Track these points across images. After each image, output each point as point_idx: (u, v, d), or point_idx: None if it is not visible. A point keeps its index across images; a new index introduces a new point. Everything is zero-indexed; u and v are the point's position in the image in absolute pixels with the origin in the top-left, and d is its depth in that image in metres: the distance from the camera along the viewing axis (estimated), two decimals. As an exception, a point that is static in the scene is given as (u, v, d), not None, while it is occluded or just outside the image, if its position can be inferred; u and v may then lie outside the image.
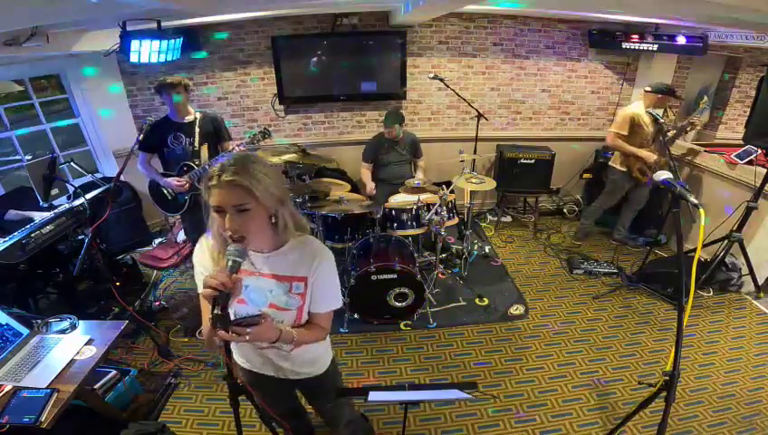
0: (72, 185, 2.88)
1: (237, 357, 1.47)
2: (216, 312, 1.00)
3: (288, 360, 1.42)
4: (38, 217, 2.65)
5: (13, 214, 2.81)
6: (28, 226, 2.50)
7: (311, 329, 1.31)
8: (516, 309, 3.20)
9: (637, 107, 3.51)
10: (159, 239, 4.24)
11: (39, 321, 2.02)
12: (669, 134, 3.42)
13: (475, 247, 3.96)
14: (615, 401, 2.42)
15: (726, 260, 3.26)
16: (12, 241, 2.34)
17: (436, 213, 3.03)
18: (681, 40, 3.77)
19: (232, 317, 1.26)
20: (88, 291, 3.00)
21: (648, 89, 3.43)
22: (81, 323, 2.00)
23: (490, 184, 3.37)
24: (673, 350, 1.61)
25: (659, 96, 3.38)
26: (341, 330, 2.98)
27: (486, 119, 4.05)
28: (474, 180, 3.30)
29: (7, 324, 1.87)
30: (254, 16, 3.82)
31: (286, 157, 3.31)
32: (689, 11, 2.95)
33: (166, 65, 3.65)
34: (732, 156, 3.48)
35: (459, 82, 4.36)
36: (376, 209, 3.24)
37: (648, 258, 3.49)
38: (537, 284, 3.56)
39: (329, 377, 1.57)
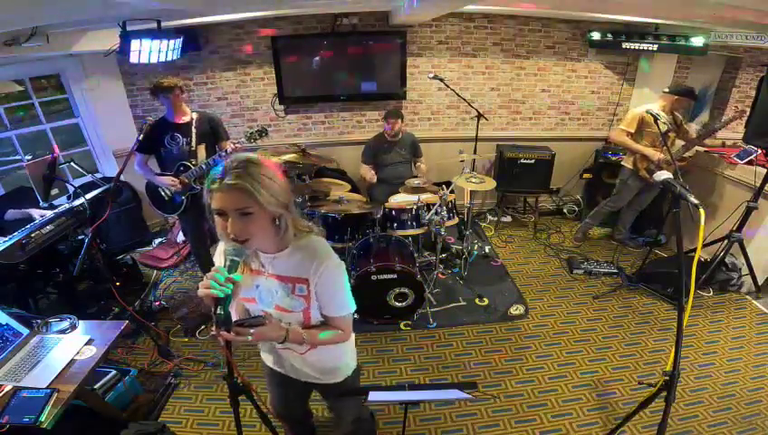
0: (72, 185, 2.88)
1: (263, 353, 1.52)
2: (218, 312, 1.00)
3: (306, 365, 1.42)
4: (36, 214, 2.65)
5: (11, 213, 2.81)
6: (28, 226, 2.50)
7: (326, 331, 1.29)
8: (516, 309, 3.20)
9: (649, 106, 3.49)
10: (159, 239, 4.24)
11: (39, 321, 2.02)
12: (690, 135, 3.43)
13: (475, 247, 3.96)
14: (615, 401, 2.42)
15: (726, 260, 3.26)
16: (12, 241, 2.34)
17: (436, 213, 3.03)
18: (681, 40, 3.77)
19: (245, 316, 1.31)
20: (88, 291, 3.00)
21: (666, 90, 3.40)
22: (81, 323, 2.00)
23: (490, 184, 3.37)
24: (673, 350, 1.61)
25: (676, 97, 3.35)
26: (341, 330, 2.97)
27: (486, 119, 4.05)
28: (474, 180, 3.30)
29: (7, 324, 1.87)
30: (254, 16, 3.82)
31: (286, 157, 3.31)
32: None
33: (166, 65, 3.66)
34: (732, 156, 3.48)
35: (459, 82, 4.36)
36: (376, 209, 3.24)
37: (648, 258, 3.49)
38: (537, 284, 3.56)
39: (347, 384, 1.56)
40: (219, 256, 1.26)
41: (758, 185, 3.03)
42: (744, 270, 3.27)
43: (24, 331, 1.91)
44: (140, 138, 2.64)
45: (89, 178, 2.92)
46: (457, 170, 3.46)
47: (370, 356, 2.79)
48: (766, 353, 2.74)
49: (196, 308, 3.06)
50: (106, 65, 3.81)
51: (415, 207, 3.12)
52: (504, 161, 4.33)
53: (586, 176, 4.57)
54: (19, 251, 2.36)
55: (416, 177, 3.63)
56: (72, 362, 1.77)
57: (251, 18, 3.86)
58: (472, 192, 3.48)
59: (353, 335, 1.47)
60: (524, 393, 2.48)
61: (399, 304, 2.96)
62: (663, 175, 1.63)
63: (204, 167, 2.84)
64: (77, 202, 2.74)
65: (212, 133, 2.98)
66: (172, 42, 3.19)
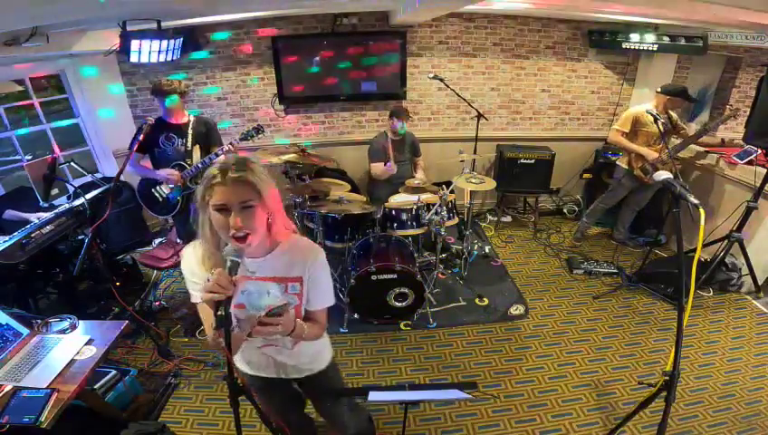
0: (72, 185, 2.88)
1: (240, 363, 1.47)
2: (220, 313, 1.00)
3: (291, 357, 1.43)
4: (34, 218, 2.65)
5: (10, 214, 2.81)
6: (28, 226, 2.50)
7: (312, 325, 1.33)
8: (516, 309, 3.20)
9: (644, 106, 3.48)
10: (159, 239, 4.24)
11: (39, 321, 2.02)
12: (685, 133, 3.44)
13: (475, 247, 3.96)
14: (615, 401, 2.42)
15: (726, 260, 3.26)
16: (12, 241, 2.34)
17: (436, 213, 3.03)
18: (681, 40, 3.77)
19: (233, 321, 1.28)
20: (88, 291, 3.00)
21: (659, 90, 3.41)
22: (81, 323, 2.00)
23: (490, 184, 3.37)
24: (673, 350, 1.61)
25: (668, 98, 3.36)
26: (341, 330, 2.98)
27: (486, 119, 4.05)
28: (474, 180, 3.30)
29: (7, 324, 1.87)
30: (254, 16, 3.82)
31: (286, 157, 3.31)
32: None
33: (166, 65, 3.66)
34: (732, 156, 3.48)
35: (459, 82, 4.35)
36: (376, 210, 3.24)
37: (648, 258, 3.49)
38: (537, 284, 3.56)
39: (329, 374, 1.57)
40: (190, 259, 1.24)
41: (758, 185, 3.03)
42: (744, 270, 3.27)
43: (24, 331, 1.91)
44: (140, 138, 2.64)
45: (89, 178, 2.92)
46: (457, 170, 3.46)
47: (370, 356, 2.79)
48: (766, 353, 2.74)
49: (195, 308, 3.05)
50: (106, 65, 3.81)
51: (415, 207, 3.12)
52: (503, 161, 4.33)
53: (586, 176, 4.57)
54: (19, 251, 2.36)
55: (414, 177, 3.63)
56: (72, 362, 1.77)
57: (251, 18, 3.86)
58: (472, 192, 3.48)
59: None
60: (524, 393, 2.48)
61: (399, 304, 2.96)
62: (663, 175, 1.63)
63: (199, 166, 2.85)
64: (77, 202, 2.74)
65: (206, 136, 2.98)
66: (172, 42, 3.19)
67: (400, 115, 3.67)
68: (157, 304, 3.22)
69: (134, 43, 2.91)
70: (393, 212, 3.14)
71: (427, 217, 3.04)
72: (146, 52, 3.00)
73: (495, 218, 4.64)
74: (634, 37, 3.94)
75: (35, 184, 2.68)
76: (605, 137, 4.63)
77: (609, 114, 4.69)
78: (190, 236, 1.29)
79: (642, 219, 4.08)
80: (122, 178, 2.64)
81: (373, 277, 2.82)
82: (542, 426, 2.27)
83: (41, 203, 2.76)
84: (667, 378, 1.64)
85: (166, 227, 4.39)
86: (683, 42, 3.79)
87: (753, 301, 3.26)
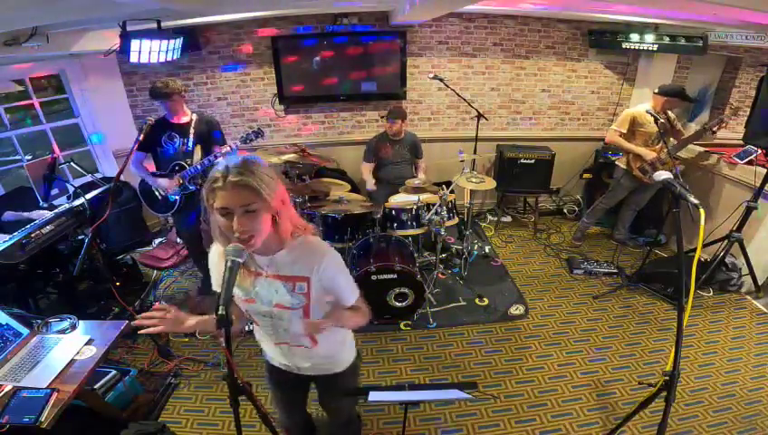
0: (72, 185, 2.88)
1: (268, 353, 1.54)
2: (220, 313, 1.00)
3: (305, 356, 1.45)
4: (35, 216, 2.65)
5: (9, 215, 2.81)
6: (28, 226, 2.50)
7: (353, 314, 1.38)
8: (516, 309, 3.20)
9: (643, 107, 3.48)
10: (159, 239, 4.24)
11: (39, 321, 2.02)
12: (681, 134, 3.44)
13: (475, 247, 3.96)
14: (615, 401, 2.42)
15: (726, 260, 3.26)
16: (12, 241, 2.34)
17: (436, 213, 3.03)
18: (681, 40, 3.77)
19: (243, 318, 1.40)
20: (88, 291, 2.99)
21: (656, 91, 3.41)
22: (81, 323, 2.00)
23: (490, 184, 3.37)
24: (673, 350, 1.61)
25: (665, 99, 3.35)
26: (341, 330, 2.97)
27: (486, 119, 4.05)
28: (474, 180, 3.30)
29: (7, 324, 1.87)
30: (254, 16, 3.82)
31: (286, 157, 3.31)
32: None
33: (166, 65, 3.66)
34: (732, 156, 3.48)
35: (459, 82, 4.35)
36: (376, 210, 3.24)
37: (648, 258, 3.49)
38: (537, 284, 3.56)
39: (346, 376, 1.58)
40: (214, 267, 1.32)
41: (758, 185, 3.03)
42: (744, 270, 3.27)
43: (24, 331, 1.91)
44: (140, 137, 2.64)
45: (89, 178, 2.92)
46: (457, 170, 3.46)
47: (370, 356, 2.79)
48: (766, 353, 2.74)
49: (195, 308, 3.06)
50: (106, 65, 3.81)
51: (415, 207, 3.12)
52: (503, 161, 4.33)
53: (586, 176, 4.57)
54: (19, 251, 2.36)
55: (415, 177, 3.63)
56: (72, 362, 1.77)
57: (251, 18, 3.86)
58: (472, 192, 3.48)
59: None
60: (524, 393, 2.48)
61: (399, 304, 2.96)
62: (663, 175, 1.63)
63: (198, 167, 2.85)
64: (77, 202, 2.74)
65: (209, 135, 2.98)
66: (172, 42, 3.19)
67: (395, 117, 3.68)
68: (157, 303, 3.21)
69: (134, 43, 2.91)
70: (393, 212, 3.14)
71: (427, 217, 3.04)
72: (146, 52, 3.00)
73: (495, 218, 4.64)
74: (634, 37, 3.94)
75: (35, 184, 2.68)
76: (605, 137, 4.65)
77: (609, 114, 4.69)
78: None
79: (642, 219, 4.08)
80: (122, 177, 2.64)
81: (373, 277, 2.82)
82: (542, 426, 2.27)
83: (41, 203, 2.76)
84: (667, 378, 1.64)
85: (166, 227, 4.39)
86: (683, 42, 3.79)
87: (753, 301, 3.26)
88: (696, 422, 2.25)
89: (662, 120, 3.24)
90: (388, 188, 3.71)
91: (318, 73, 4.20)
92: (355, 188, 4.12)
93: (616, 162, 3.79)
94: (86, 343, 1.86)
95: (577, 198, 4.88)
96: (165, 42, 3.10)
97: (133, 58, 2.97)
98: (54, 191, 2.86)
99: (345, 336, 1.55)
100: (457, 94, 3.92)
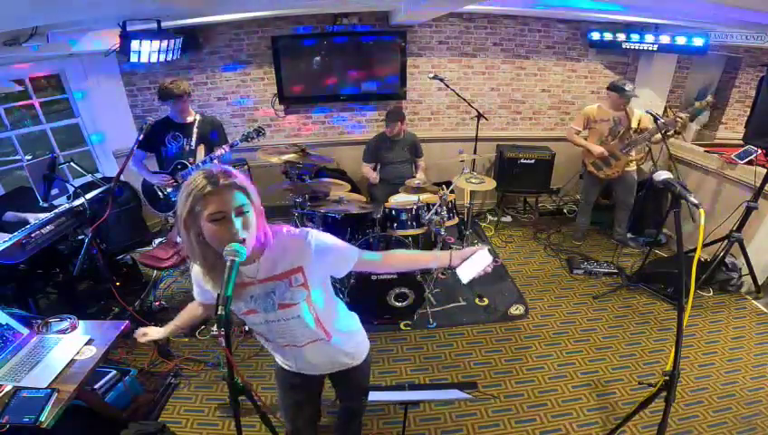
0: (72, 185, 2.88)
1: (278, 359, 1.52)
2: (220, 313, 1.00)
3: (332, 351, 1.44)
4: (34, 218, 2.65)
5: (10, 215, 2.81)
6: (28, 226, 2.50)
7: (394, 255, 1.45)
8: (516, 309, 3.20)
9: (598, 105, 3.61)
10: (159, 239, 4.23)
11: (39, 321, 2.02)
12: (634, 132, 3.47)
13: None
14: (615, 401, 2.42)
15: (726, 260, 3.26)
16: (12, 241, 2.34)
17: (436, 213, 3.03)
18: (681, 40, 3.77)
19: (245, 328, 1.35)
20: (88, 291, 3.00)
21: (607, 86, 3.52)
22: (81, 323, 2.00)
23: (490, 184, 3.37)
24: (673, 350, 1.61)
25: (607, 94, 3.49)
26: (341, 330, 2.97)
27: (486, 119, 4.05)
28: (474, 180, 3.30)
29: (7, 324, 1.87)
30: (254, 16, 3.82)
31: (286, 157, 3.31)
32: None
33: (166, 65, 3.66)
34: (732, 156, 3.48)
35: (459, 82, 4.36)
36: (376, 210, 3.24)
37: (648, 258, 3.49)
38: (537, 284, 3.56)
39: (363, 370, 1.58)
40: (197, 277, 1.30)
41: (758, 185, 3.03)
42: (744, 270, 3.27)
43: (24, 331, 1.90)
44: (140, 138, 2.65)
45: (89, 178, 2.92)
46: (457, 170, 3.46)
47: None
48: (766, 353, 2.74)
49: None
50: (106, 65, 3.81)
51: (415, 207, 3.12)
52: (503, 161, 4.33)
53: (586, 176, 4.57)
54: (19, 251, 2.36)
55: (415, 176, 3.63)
56: (72, 362, 1.77)
57: (251, 18, 3.86)
58: (472, 192, 3.48)
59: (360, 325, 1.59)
60: (524, 393, 2.48)
61: (399, 304, 2.96)
62: (663, 175, 1.63)
63: (200, 166, 2.86)
64: (77, 202, 2.74)
65: (211, 136, 3.00)
66: (172, 42, 3.19)
67: (392, 119, 3.68)
68: (157, 304, 3.22)
69: (134, 44, 2.91)
70: (393, 212, 3.14)
71: (426, 217, 3.04)
72: (146, 52, 3.01)
73: (495, 218, 4.64)
74: (634, 37, 3.95)
75: (35, 184, 2.68)
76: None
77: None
78: None
79: (642, 219, 4.08)
80: (122, 177, 2.65)
81: (373, 277, 2.82)
82: (542, 426, 2.27)
83: (41, 203, 2.76)
84: (667, 378, 1.64)
85: (166, 227, 4.39)
86: (683, 42, 3.79)
87: (753, 301, 3.26)
88: (696, 422, 2.25)
89: (616, 117, 3.41)
90: (388, 188, 3.71)
91: (318, 73, 4.20)
92: (355, 188, 4.12)
93: None
94: (86, 343, 1.86)
95: (577, 198, 4.87)
96: (165, 42, 3.10)
97: (133, 58, 2.97)
98: (54, 191, 2.86)
99: (354, 326, 1.55)
100: (457, 94, 3.92)
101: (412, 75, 4.31)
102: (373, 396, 1.45)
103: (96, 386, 2.13)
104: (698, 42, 3.74)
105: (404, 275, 2.82)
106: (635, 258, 3.84)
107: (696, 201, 1.50)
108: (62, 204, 2.86)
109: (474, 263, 1.35)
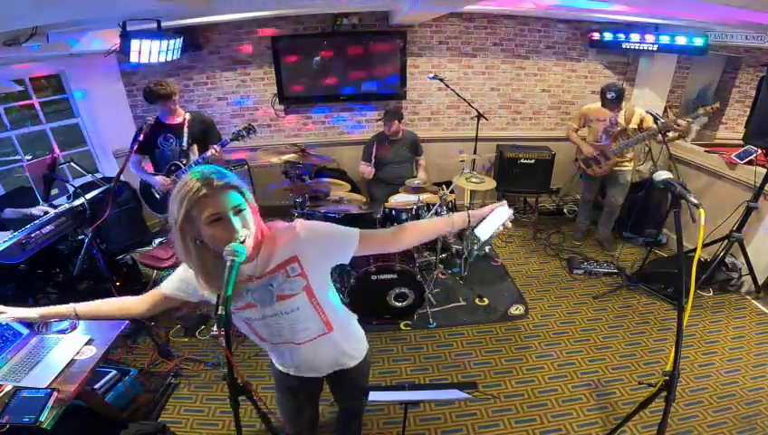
0: (72, 185, 2.88)
1: (277, 364, 1.51)
2: (219, 313, 1.00)
3: (333, 348, 1.42)
4: (35, 211, 2.64)
5: (9, 212, 2.80)
6: (28, 226, 2.50)
7: (406, 229, 1.32)
8: (516, 309, 3.20)
9: (596, 104, 3.61)
10: (159, 239, 4.23)
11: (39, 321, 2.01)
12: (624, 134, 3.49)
13: (475, 247, 3.95)
14: (615, 401, 2.42)
15: (726, 260, 3.26)
16: (12, 241, 2.34)
17: (437, 213, 3.03)
18: (681, 40, 3.77)
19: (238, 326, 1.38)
20: (88, 291, 3.00)
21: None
22: (81, 324, 2.00)
23: (490, 184, 3.37)
24: (673, 350, 1.61)
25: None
26: (341, 330, 2.97)
27: (486, 119, 4.05)
28: (474, 180, 3.30)
29: (7, 324, 1.86)
30: (254, 16, 3.82)
31: (286, 157, 3.31)
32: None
33: (166, 65, 3.66)
34: (732, 156, 3.48)
35: (459, 82, 4.36)
36: (376, 210, 3.24)
37: (648, 258, 3.49)
38: (537, 284, 3.56)
39: (362, 369, 1.57)
40: (182, 275, 1.33)
41: (758, 185, 3.03)
42: (744, 270, 3.27)
43: (24, 331, 1.90)
44: (140, 138, 2.65)
45: (89, 178, 2.92)
46: (457, 170, 3.46)
47: (370, 356, 2.78)
48: (766, 353, 2.74)
49: (195, 308, 3.06)
50: (106, 65, 3.81)
51: (415, 207, 3.12)
52: (503, 161, 4.33)
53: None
54: (19, 251, 2.36)
55: (416, 176, 3.63)
56: (72, 362, 1.77)
57: (251, 18, 3.86)
58: (472, 192, 3.48)
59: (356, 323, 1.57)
60: (524, 393, 2.48)
61: (399, 304, 2.96)
62: (663, 175, 1.63)
63: (193, 166, 2.85)
64: (77, 202, 2.74)
65: (204, 134, 2.99)
66: (172, 42, 3.19)
67: (390, 118, 3.68)
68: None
69: (134, 44, 2.91)
70: (393, 212, 3.14)
71: (427, 218, 3.04)
72: (146, 52, 3.00)
73: (495, 218, 4.62)
74: (634, 37, 3.94)
75: (35, 184, 2.68)
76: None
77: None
78: None
79: (642, 219, 4.08)
80: (122, 177, 2.64)
81: (373, 277, 2.82)
82: (542, 426, 2.27)
83: (41, 203, 2.76)
84: (667, 378, 1.64)
85: (166, 227, 4.38)
86: (683, 42, 3.79)
87: (753, 301, 3.26)
88: (696, 422, 2.25)
89: (611, 117, 3.43)
90: (388, 189, 3.71)
91: (318, 73, 4.20)
92: (355, 188, 4.12)
93: None
94: (86, 343, 1.86)
95: (577, 198, 4.87)
96: (165, 42, 3.10)
97: (133, 58, 2.97)
98: (54, 191, 2.86)
99: (354, 324, 1.54)
100: (457, 94, 3.92)
101: (412, 75, 4.31)
102: (373, 396, 1.45)
103: (96, 386, 2.13)
104: (698, 42, 3.74)
105: (404, 275, 2.82)
106: (635, 258, 3.84)
107: (695, 201, 1.50)
108: (62, 204, 2.87)
109: (492, 220, 1.29)
